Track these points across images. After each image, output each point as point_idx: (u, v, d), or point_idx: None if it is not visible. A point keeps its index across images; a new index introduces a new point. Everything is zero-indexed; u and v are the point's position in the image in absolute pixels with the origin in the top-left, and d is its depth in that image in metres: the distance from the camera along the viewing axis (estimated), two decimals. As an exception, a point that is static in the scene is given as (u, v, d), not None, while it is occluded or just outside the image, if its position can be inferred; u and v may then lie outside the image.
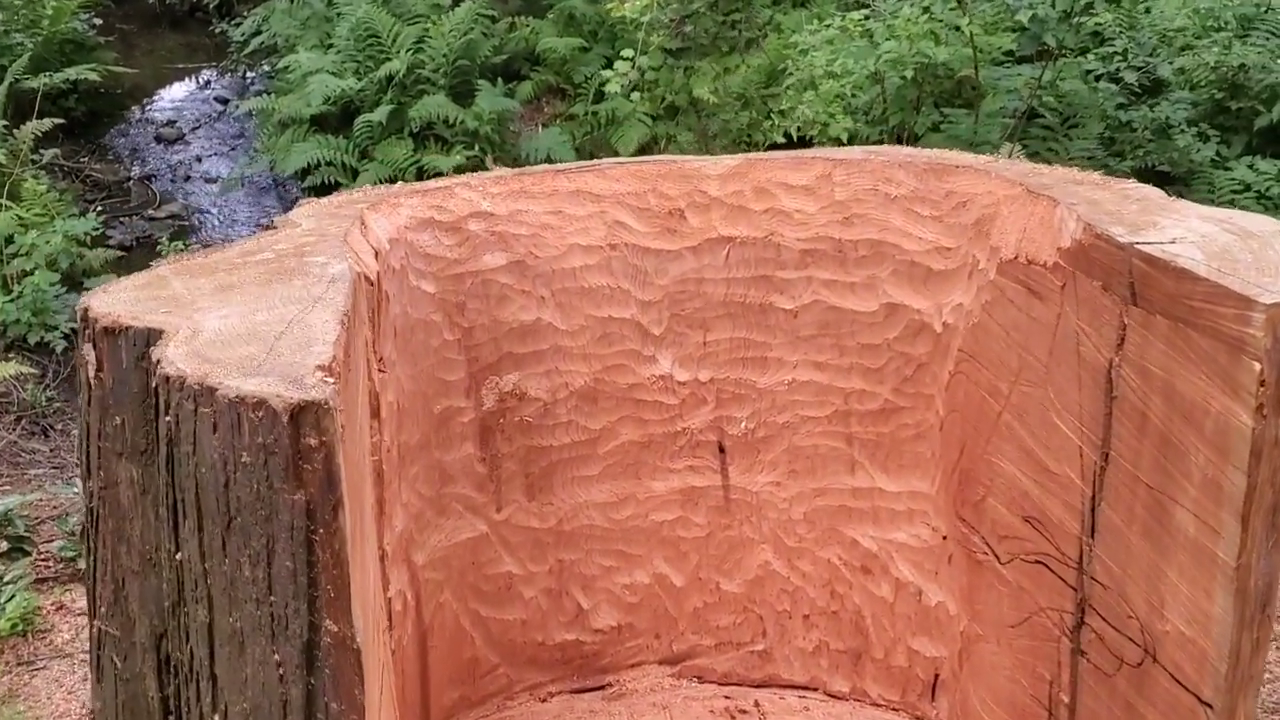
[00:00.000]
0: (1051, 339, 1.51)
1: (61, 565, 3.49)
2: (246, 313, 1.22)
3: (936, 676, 1.88)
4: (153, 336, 1.17)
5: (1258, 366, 1.19)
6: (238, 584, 1.08)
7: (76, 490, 3.53)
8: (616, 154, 6.45)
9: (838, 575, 1.94)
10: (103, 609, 1.27)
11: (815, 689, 2.00)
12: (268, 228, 1.62)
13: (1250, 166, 6.27)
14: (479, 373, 1.88)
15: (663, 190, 1.91)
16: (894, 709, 1.94)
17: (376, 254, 1.62)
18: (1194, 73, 6.07)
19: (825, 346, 1.89)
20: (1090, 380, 1.44)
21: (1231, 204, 5.83)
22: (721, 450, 1.96)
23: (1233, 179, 6.14)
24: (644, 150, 6.47)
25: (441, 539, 1.86)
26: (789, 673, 2.00)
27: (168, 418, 1.09)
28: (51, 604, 3.35)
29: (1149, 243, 1.35)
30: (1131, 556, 1.38)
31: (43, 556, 3.57)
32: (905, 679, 1.92)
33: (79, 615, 3.32)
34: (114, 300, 1.26)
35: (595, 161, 1.96)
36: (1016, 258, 1.59)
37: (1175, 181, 6.13)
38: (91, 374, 1.20)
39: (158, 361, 1.10)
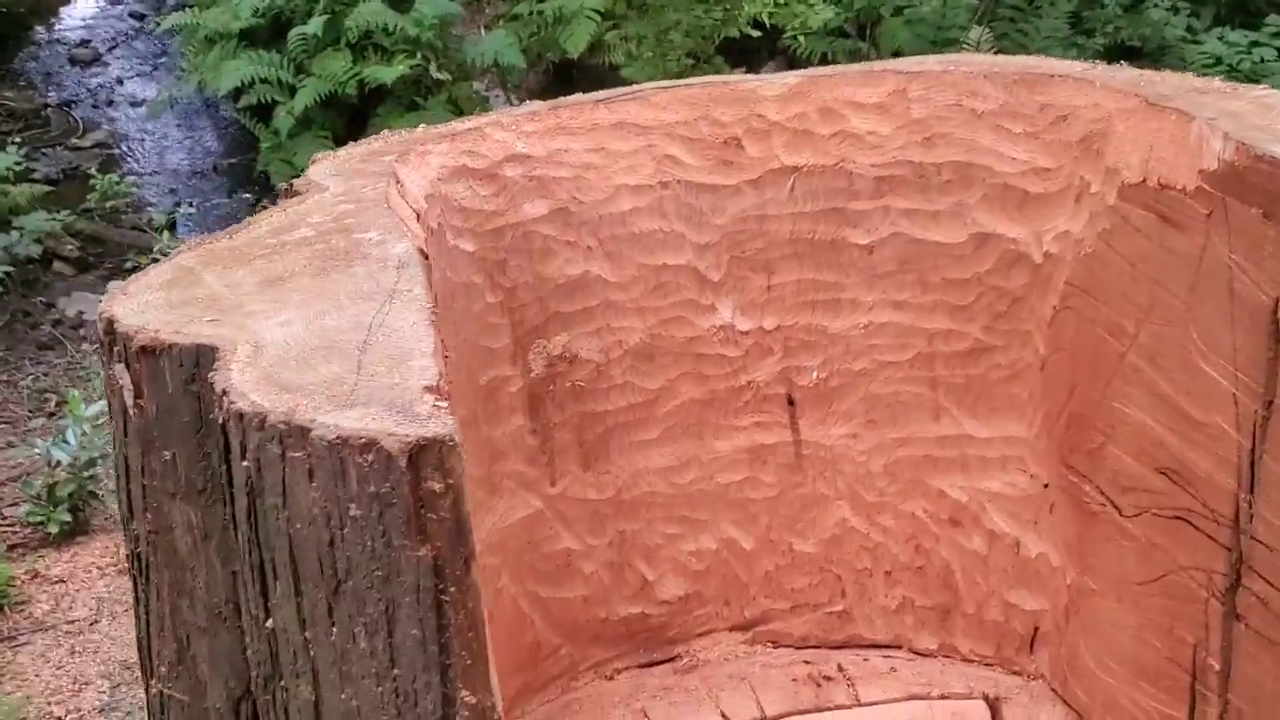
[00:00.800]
0: (1194, 273, 1.35)
1: (30, 530, 3.29)
2: (311, 316, 1.01)
3: (1036, 630, 1.76)
4: (203, 355, 0.96)
5: None
6: (351, 657, 0.89)
7: (37, 450, 3.31)
8: (565, 54, 6.16)
9: (923, 529, 1.80)
10: (163, 669, 1.08)
11: (900, 647, 1.87)
12: (289, 191, 1.39)
13: (1220, 39, 6.12)
14: (524, 336, 1.68)
15: (716, 116, 1.71)
16: (987, 664, 1.82)
17: (417, 216, 1.41)
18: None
19: (906, 284, 1.71)
20: (1248, 320, 1.28)
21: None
22: (791, 403, 1.79)
23: (1204, 53, 6.01)
24: (595, 50, 6.18)
25: (495, 521, 1.68)
26: (871, 632, 1.87)
27: (246, 463, 0.89)
28: (25, 573, 3.15)
29: (1327, 164, 1.18)
30: (1309, 517, 1.24)
31: (6, 521, 3.36)
32: (1000, 633, 1.79)
33: (56, 584, 3.13)
34: (142, 306, 1.05)
35: (638, 87, 1.74)
36: (1144, 181, 1.42)
37: (1145, 57, 5.98)
38: (129, 401, 0.99)
39: (223, 392, 0.90)
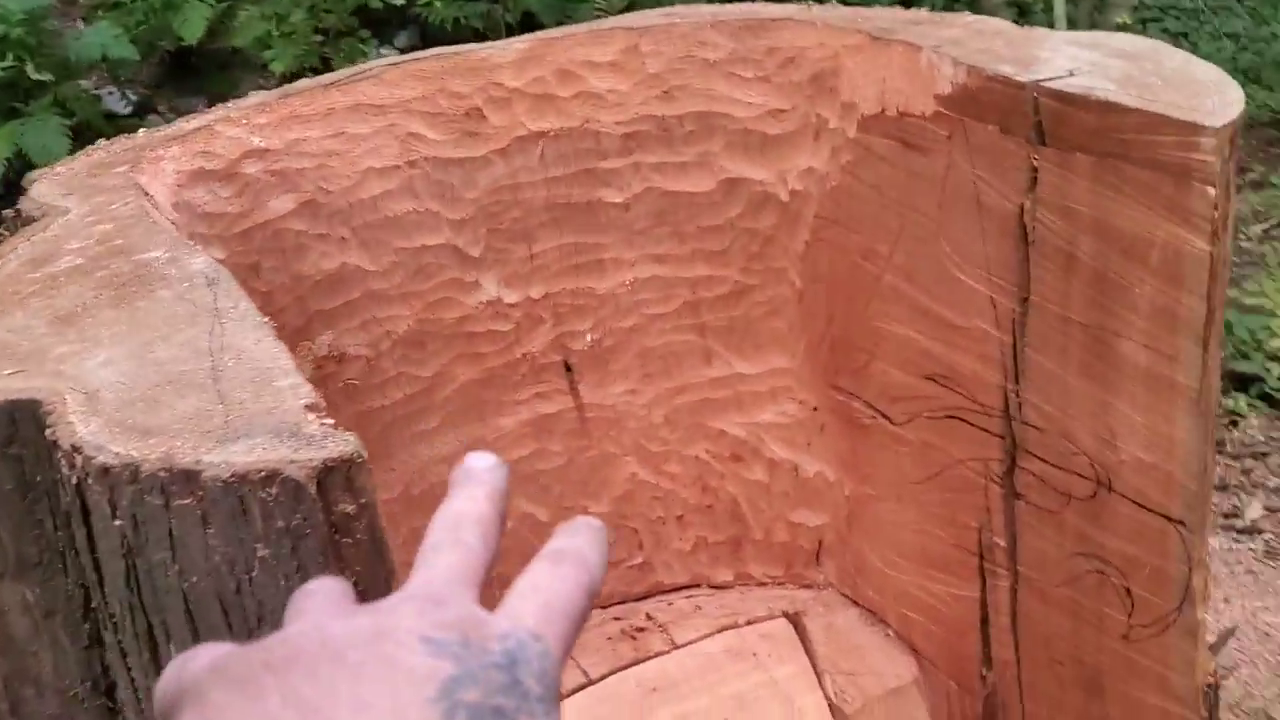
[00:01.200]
0: (941, 192, 1.47)
1: None
2: (136, 350, 0.91)
3: (821, 543, 1.87)
4: (19, 413, 0.84)
5: (1212, 191, 1.20)
6: (270, 707, 0.82)
7: None
8: (182, 41, 5.77)
9: (708, 469, 1.86)
10: (4, 774, 0.95)
11: (699, 585, 1.94)
12: (18, 218, 1.23)
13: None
14: (288, 340, 1.58)
15: (453, 88, 1.66)
16: (780, 584, 1.92)
17: (175, 228, 1.29)
18: None
19: (664, 237, 1.75)
20: (996, 228, 1.42)
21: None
22: (568, 369, 1.80)
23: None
24: (216, 34, 5.82)
25: (287, 540, 1.58)
26: (671, 577, 1.92)
27: (119, 522, 0.79)
28: None
29: (1050, 78, 1.32)
30: (1071, 396, 1.39)
31: None
32: (789, 553, 1.90)
33: None
34: (-88, 370, 0.90)
35: (366, 66, 1.66)
36: (882, 112, 1.52)
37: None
38: (-74, 479, 0.86)
39: (74, 449, 0.79)
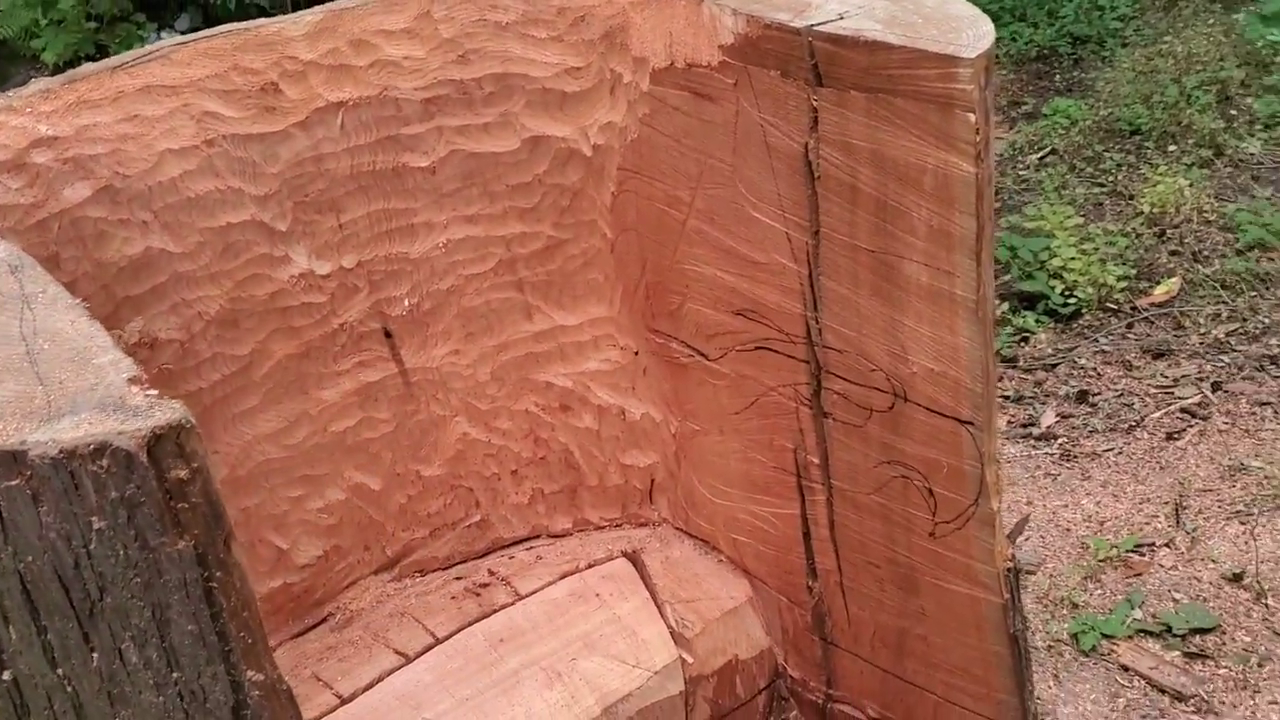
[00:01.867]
0: (733, 137, 1.55)
1: None
2: (-59, 342, 0.90)
3: (652, 481, 1.95)
4: None
5: (972, 117, 1.31)
6: (120, 677, 0.84)
7: None
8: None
9: (538, 422, 1.92)
10: None
11: (538, 536, 1.99)
12: None
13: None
14: (98, 330, 1.55)
15: (246, 65, 1.65)
16: (617, 525, 2.00)
17: (-35, 221, 1.25)
18: None
19: (473, 198, 1.79)
20: (786, 168, 1.50)
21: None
22: (388, 335, 1.81)
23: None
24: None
25: (116, 532, 1.56)
26: (510, 531, 1.97)
27: (-55, 510, 0.79)
28: None
29: (823, 22, 1.41)
30: (864, 317, 1.50)
31: None
32: (623, 494, 1.97)
33: None
34: None
35: (155, 47, 1.63)
36: (672, 64, 1.59)
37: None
38: None
39: (-112, 443, 0.79)
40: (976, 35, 1.33)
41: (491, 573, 1.92)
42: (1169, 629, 2.59)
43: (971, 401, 1.44)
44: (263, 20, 1.70)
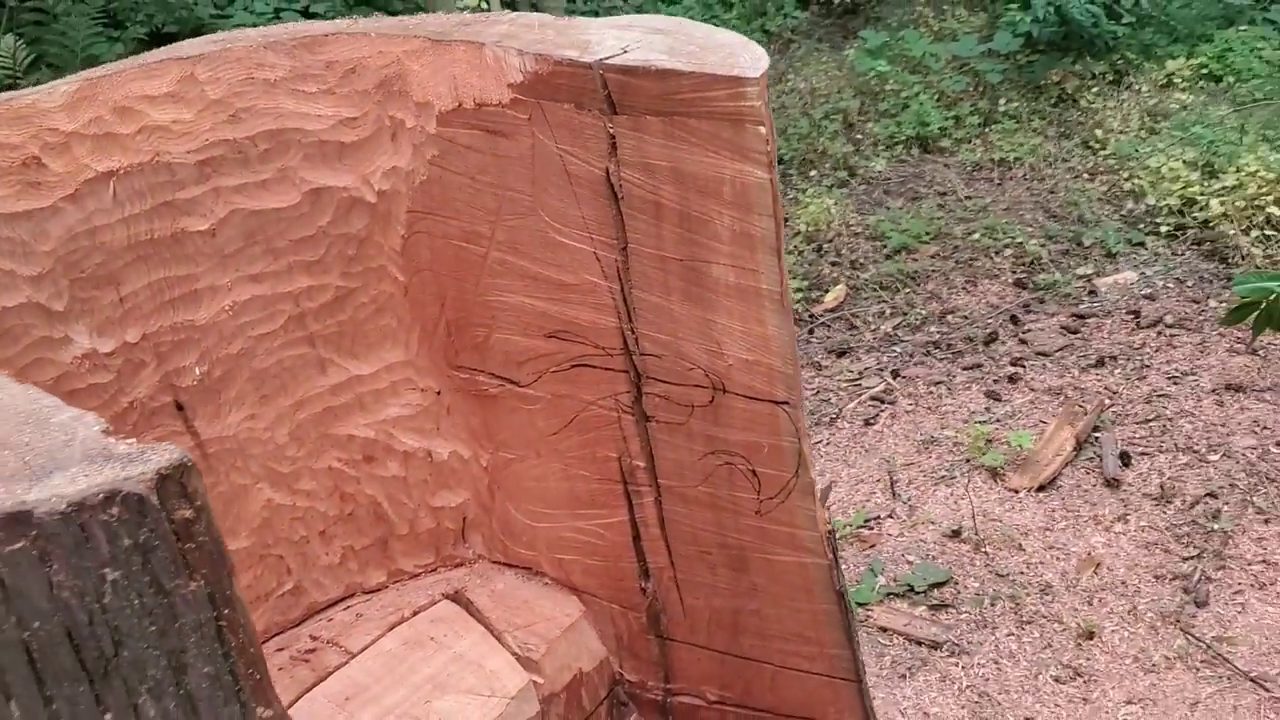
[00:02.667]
0: (531, 169, 1.63)
1: None
2: None
3: (465, 520, 1.98)
4: None
5: (763, 129, 1.47)
6: (137, 737, 0.80)
7: None
8: None
9: (343, 477, 1.89)
10: None
11: (353, 595, 1.96)
12: None
13: (247, 9, 6.57)
14: None
15: (1, 140, 1.55)
16: (432, 570, 2.00)
17: None
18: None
19: (257, 256, 1.75)
20: (588, 192, 1.61)
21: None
22: (180, 408, 1.74)
23: (239, 24, 6.41)
24: None
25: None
26: (324, 594, 1.93)
27: (-61, 589, 0.73)
28: None
29: (609, 57, 1.53)
30: (678, 321, 1.62)
31: None
32: (435, 538, 1.98)
33: None
34: None
35: (-104, 126, 1.49)
36: (460, 106, 1.65)
37: (184, 38, 6.19)
38: None
39: None
40: (753, 58, 1.50)
41: (314, 638, 1.87)
42: (911, 588, 2.89)
43: (785, 383, 1.60)
44: (12, 93, 1.60)
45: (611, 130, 1.55)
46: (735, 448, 1.66)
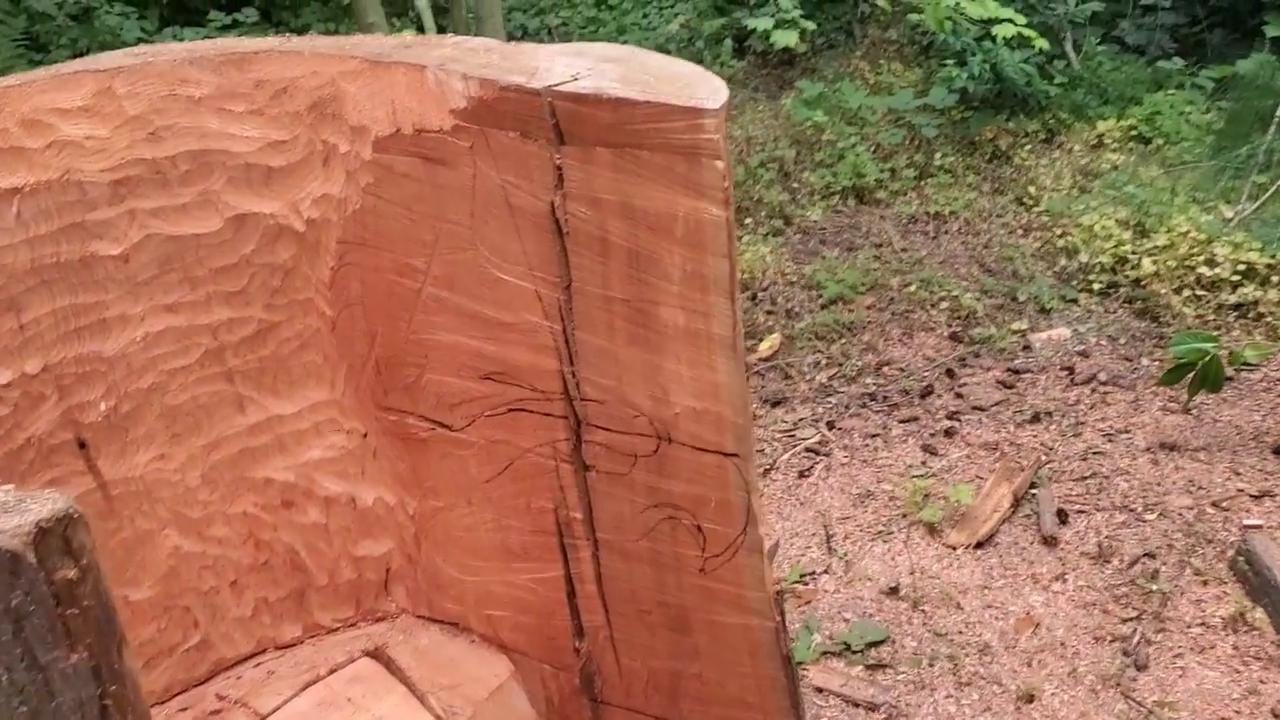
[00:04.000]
0: (471, 200, 1.54)
1: None
2: None
3: (388, 571, 1.86)
4: None
5: (720, 164, 1.40)
6: (-2, 837, 0.68)
7: None
8: None
9: (258, 523, 1.77)
10: None
11: (264, 650, 1.83)
12: None
13: (175, 37, 6.45)
14: None
15: (-108, 149, 1.42)
16: (351, 624, 1.88)
17: None
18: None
19: (173, 285, 1.63)
20: (531, 226, 1.52)
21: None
22: (83, 446, 1.61)
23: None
24: None
25: None
26: (233, 650, 1.79)
27: None
28: None
29: (559, 84, 1.45)
30: (623, 365, 1.53)
31: None
32: (356, 590, 1.86)
33: None
34: None
35: None
36: (398, 131, 1.56)
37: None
38: None
39: None
40: (712, 89, 1.43)
41: (221, 697, 1.73)
42: (848, 647, 2.81)
43: (735, 434, 1.52)
44: (-94, 98, 1.48)
45: (558, 161, 1.47)
46: (680, 501, 1.57)
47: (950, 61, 5.71)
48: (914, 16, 4.68)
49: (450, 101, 1.51)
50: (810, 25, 5.08)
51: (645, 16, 7.25)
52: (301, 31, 6.75)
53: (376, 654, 1.80)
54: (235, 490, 1.74)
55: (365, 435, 1.77)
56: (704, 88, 1.43)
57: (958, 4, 4.22)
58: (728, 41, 6.55)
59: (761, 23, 4.67)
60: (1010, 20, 4.39)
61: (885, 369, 4.25)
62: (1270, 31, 5.42)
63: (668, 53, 7.04)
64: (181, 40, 6.35)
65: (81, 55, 6.17)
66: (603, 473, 1.60)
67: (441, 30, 5.67)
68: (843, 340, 4.42)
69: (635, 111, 1.40)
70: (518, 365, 1.60)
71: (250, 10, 6.71)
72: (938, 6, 4.21)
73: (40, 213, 1.52)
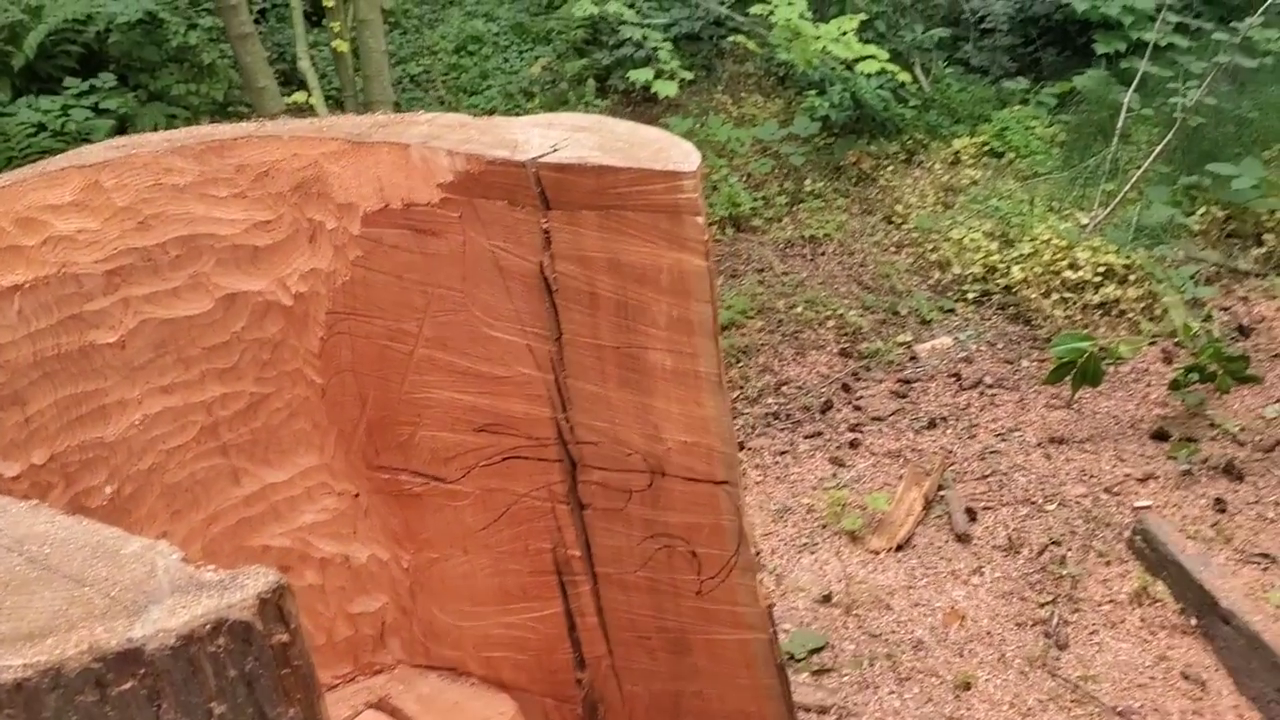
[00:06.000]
0: (462, 266, 1.64)
1: None
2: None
3: (383, 625, 1.93)
4: None
5: (700, 219, 1.53)
6: None
7: None
8: None
9: (260, 589, 1.81)
10: None
11: (271, 713, 1.87)
12: None
13: (30, 107, 6.30)
14: None
15: (-105, 256, 1.45)
16: (351, 679, 1.93)
17: None
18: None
19: (167, 366, 1.68)
20: (521, 286, 1.63)
21: (30, 148, 5.87)
22: (91, 530, 1.64)
23: (23, 123, 6.17)
24: None
25: None
26: (242, 715, 1.83)
27: (46, 742, 0.69)
28: None
29: (542, 155, 1.57)
30: (615, 408, 1.65)
31: None
32: (354, 646, 1.92)
33: None
34: None
35: None
36: (386, 206, 1.65)
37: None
38: None
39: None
40: (683, 153, 1.57)
41: (235, 765, 1.77)
42: (791, 656, 2.96)
43: (724, 463, 1.65)
44: (-100, 204, 1.50)
45: (545, 225, 1.58)
46: (675, 530, 1.69)
47: (811, 92, 6.00)
48: (782, 55, 4.92)
49: (437, 176, 1.61)
50: (688, 75, 5.27)
51: (506, 61, 7.38)
52: (163, 93, 6.67)
53: (381, 704, 1.87)
54: (235, 561, 1.79)
55: (356, 495, 1.84)
56: (676, 151, 1.56)
57: (824, 47, 4.47)
58: (590, 82, 6.72)
59: (643, 74, 4.84)
60: (873, 56, 4.67)
61: (784, 388, 4.44)
62: (1099, 48, 5.86)
63: (531, 95, 7.17)
64: (38, 110, 6.22)
65: (-67, 132, 5.92)
66: (599, 510, 1.71)
67: (335, 93, 5.69)
68: (740, 364, 4.60)
69: (618, 177, 1.53)
70: (512, 415, 1.70)
71: (107, 75, 6.58)
72: (806, 49, 4.45)
73: (40, 307, 1.56)
